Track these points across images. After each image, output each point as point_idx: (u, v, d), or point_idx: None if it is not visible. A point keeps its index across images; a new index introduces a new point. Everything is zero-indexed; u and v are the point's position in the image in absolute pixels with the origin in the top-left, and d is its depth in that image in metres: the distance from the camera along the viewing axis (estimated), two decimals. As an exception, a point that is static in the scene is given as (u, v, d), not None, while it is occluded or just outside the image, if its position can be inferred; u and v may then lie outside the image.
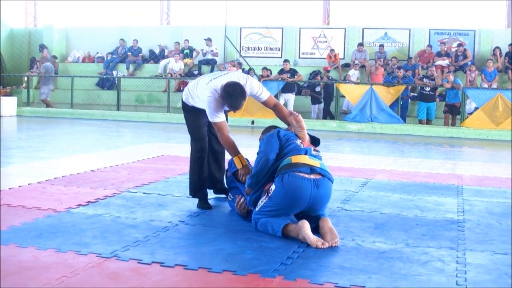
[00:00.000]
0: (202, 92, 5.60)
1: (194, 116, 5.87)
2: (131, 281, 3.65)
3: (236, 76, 5.61)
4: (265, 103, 5.80)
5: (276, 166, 5.00)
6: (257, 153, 5.19)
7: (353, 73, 19.81)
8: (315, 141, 5.53)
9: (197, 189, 5.98)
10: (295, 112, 5.55)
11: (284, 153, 5.05)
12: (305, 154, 5.01)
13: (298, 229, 4.61)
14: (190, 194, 6.06)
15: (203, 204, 5.87)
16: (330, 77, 20.03)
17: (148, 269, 3.88)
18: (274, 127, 5.54)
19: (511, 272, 4.05)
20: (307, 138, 5.38)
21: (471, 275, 3.96)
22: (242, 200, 5.40)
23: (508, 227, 5.46)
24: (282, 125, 5.85)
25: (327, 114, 19.17)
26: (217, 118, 5.49)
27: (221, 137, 5.53)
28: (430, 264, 4.19)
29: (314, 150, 5.17)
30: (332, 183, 5.01)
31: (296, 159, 4.91)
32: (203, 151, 5.91)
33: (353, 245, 4.64)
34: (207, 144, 5.97)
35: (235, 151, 5.50)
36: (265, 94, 5.73)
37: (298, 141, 5.17)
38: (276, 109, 5.77)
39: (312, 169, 4.86)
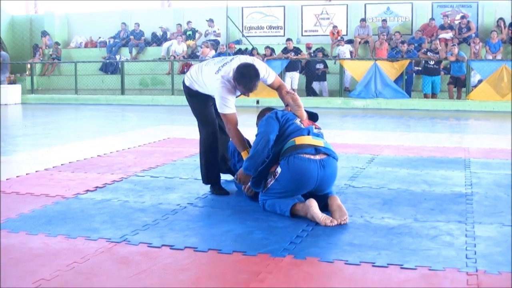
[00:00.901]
0: (211, 81, 5.43)
1: (200, 100, 5.68)
2: (141, 264, 3.66)
3: (243, 60, 5.44)
4: (271, 86, 5.67)
5: (279, 149, 4.98)
6: (256, 135, 5.12)
7: (344, 49, 19.72)
8: (313, 116, 5.47)
9: (210, 175, 5.79)
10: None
11: (286, 134, 5.01)
12: (308, 134, 4.99)
13: (306, 208, 4.61)
14: (203, 182, 5.86)
15: (218, 190, 5.73)
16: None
17: (158, 252, 3.90)
18: (270, 109, 5.48)
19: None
20: (305, 115, 5.34)
21: (481, 248, 3.96)
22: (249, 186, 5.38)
23: (517, 198, 5.46)
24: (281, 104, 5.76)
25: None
26: (228, 109, 5.31)
27: (230, 130, 5.37)
28: (439, 238, 4.20)
29: (316, 128, 5.14)
30: (337, 161, 4.99)
31: (299, 140, 4.90)
32: (214, 135, 5.72)
33: (361, 221, 4.65)
34: (217, 127, 5.77)
35: (243, 146, 5.35)
36: (271, 77, 5.59)
37: (297, 121, 5.13)
38: (279, 89, 5.66)
39: (317, 149, 4.84)
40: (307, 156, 4.79)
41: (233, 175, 5.95)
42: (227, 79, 5.30)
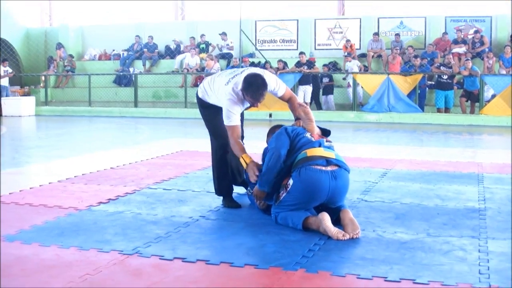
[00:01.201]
0: (220, 92, 5.48)
1: (213, 113, 5.70)
2: (153, 277, 3.66)
3: (253, 71, 5.47)
4: (281, 98, 5.72)
5: (291, 162, 4.99)
6: (267, 151, 5.16)
7: (352, 65, 19.73)
8: (325, 133, 5.48)
9: (222, 187, 5.82)
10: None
11: (297, 148, 5.02)
12: (319, 146, 5.00)
13: (319, 221, 4.61)
14: (216, 193, 5.90)
15: (229, 202, 5.74)
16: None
17: (170, 265, 3.90)
18: (280, 126, 5.49)
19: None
20: (316, 130, 5.36)
21: (494, 264, 3.95)
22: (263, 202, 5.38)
23: (530, 214, 5.44)
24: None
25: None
26: (232, 121, 5.37)
27: (231, 139, 5.40)
28: (452, 253, 4.18)
29: (327, 141, 5.15)
30: (349, 173, 4.99)
31: (311, 152, 4.91)
32: (225, 147, 5.70)
33: (374, 236, 4.64)
34: (227, 140, 5.69)
35: (242, 150, 5.37)
36: (281, 89, 5.64)
37: (308, 135, 5.15)
38: (290, 102, 5.72)
39: (328, 161, 4.85)
40: (319, 167, 4.79)
41: (247, 188, 5.96)
42: (235, 92, 5.34)
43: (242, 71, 5.54)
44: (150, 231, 4.73)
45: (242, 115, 5.88)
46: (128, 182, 6.94)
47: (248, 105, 5.52)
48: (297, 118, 5.61)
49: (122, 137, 13.53)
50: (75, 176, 7.28)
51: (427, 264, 3.92)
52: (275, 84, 5.58)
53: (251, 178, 5.26)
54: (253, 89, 5.23)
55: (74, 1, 26.26)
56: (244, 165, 5.33)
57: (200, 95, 5.80)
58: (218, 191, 5.86)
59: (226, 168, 5.79)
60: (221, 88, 5.48)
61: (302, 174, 4.81)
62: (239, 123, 5.46)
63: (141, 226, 4.89)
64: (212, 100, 5.66)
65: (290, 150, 5.03)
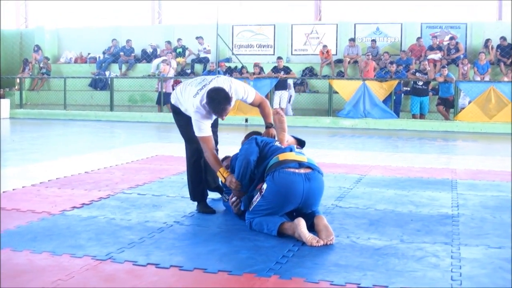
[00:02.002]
0: (188, 104, 5.52)
1: (186, 119, 5.69)
2: (126, 283, 3.65)
3: (220, 82, 5.50)
4: (252, 104, 5.77)
5: (263, 168, 5.01)
6: (237, 157, 5.23)
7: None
8: (301, 143, 5.53)
9: (196, 193, 5.84)
10: (280, 112, 5.58)
11: (268, 154, 5.08)
12: (290, 151, 5.06)
13: (294, 227, 4.62)
14: (191, 199, 5.90)
15: (204, 208, 5.74)
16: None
17: (143, 270, 3.89)
18: (256, 133, 5.56)
19: (511, 267, 4.06)
20: (289, 140, 5.40)
21: (466, 270, 3.97)
22: (235, 198, 5.39)
23: (503, 220, 5.48)
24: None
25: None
26: (203, 132, 5.40)
27: (206, 151, 5.43)
28: (425, 259, 4.21)
29: (297, 147, 5.21)
30: (322, 175, 5.01)
31: (283, 156, 4.95)
32: (199, 153, 5.70)
33: (348, 242, 4.65)
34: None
35: (218, 165, 5.40)
36: (250, 96, 5.69)
37: (277, 143, 5.23)
38: (260, 107, 5.77)
39: (300, 164, 4.89)
40: (292, 170, 4.82)
41: (221, 194, 5.97)
42: (202, 105, 5.37)
43: (210, 80, 5.55)
44: (124, 237, 4.71)
45: (216, 120, 5.90)
46: (103, 186, 6.90)
47: (216, 117, 5.56)
48: (267, 126, 5.68)
49: (97, 141, 13.46)
50: (49, 180, 7.23)
51: (400, 271, 3.94)
52: (243, 92, 5.62)
53: (236, 188, 5.25)
54: (215, 104, 5.26)
55: (50, 1, 26.09)
56: (222, 179, 5.36)
57: (173, 102, 5.82)
58: (193, 197, 5.86)
59: (200, 173, 5.80)
60: (189, 100, 5.50)
61: (276, 177, 4.82)
62: (211, 133, 5.47)
63: (115, 231, 4.87)
64: (183, 108, 5.68)
65: (261, 158, 5.08)
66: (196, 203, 5.84)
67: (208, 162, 5.55)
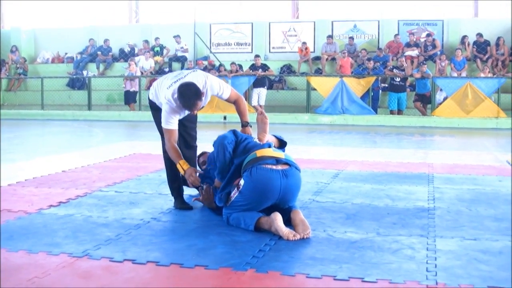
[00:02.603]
0: (161, 95, 5.56)
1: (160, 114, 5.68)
2: (102, 279, 3.64)
3: (195, 76, 5.54)
4: (228, 100, 5.81)
5: (240, 162, 5.03)
6: (212, 157, 5.34)
7: None
8: (282, 144, 5.57)
9: (172, 189, 5.87)
10: (264, 114, 5.59)
11: (246, 149, 5.10)
12: (269, 147, 5.09)
13: (271, 221, 4.63)
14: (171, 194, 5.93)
15: (180, 204, 5.75)
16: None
17: (120, 267, 3.88)
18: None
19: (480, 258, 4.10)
20: (271, 139, 5.43)
21: (441, 261, 4.00)
22: (206, 187, 5.42)
23: (478, 213, 5.53)
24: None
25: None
26: (169, 125, 5.47)
27: (168, 143, 5.50)
28: (401, 252, 4.23)
29: (274, 146, 5.24)
30: (300, 172, 5.03)
31: (260, 152, 4.96)
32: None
33: (324, 236, 4.67)
34: (177, 140, 5.74)
35: (178, 157, 5.46)
36: (226, 92, 5.71)
37: (256, 140, 5.27)
38: (236, 104, 5.83)
39: (278, 160, 4.90)
40: (269, 166, 4.83)
41: (198, 189, 5.95)
42: (174, 99, 5.39)
43: (186, 74, 5.60)
44: (100, 234, 4.70)
45: (194, 116, 5.92)
46: (80, 185, 6.88)
47: (188, 112, 5.54)
48: (243, 125, 5.72)
49: (75, 141, 13.40)
50: (25, 180, 7.19)
51: (376, 263, 3.96)
52: (218, 88, 5.64)
53: (193, 183, 5.37)
54: (185, 99, 5.28)
55: (27, 1, 25.93)
56: (182, 171, 5.43)
57: (150, 97, 5.84)
58: (170, 191, 5.89)
59: (176, 169, 5.74)
60: (163, 91, 5.54)
61: (253, 173, 4.83)
62: (176, 128, 5.52)
63: (92, 229, 4.85)
64: (158, 102, 5.69)
65: (239, 152, 5.09)
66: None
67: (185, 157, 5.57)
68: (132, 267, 3.88)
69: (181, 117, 5.61)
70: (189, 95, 5.28)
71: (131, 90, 20.16)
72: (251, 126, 5.76)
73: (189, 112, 5.55)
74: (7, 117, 20.22)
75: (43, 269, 3.80)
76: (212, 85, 5.57)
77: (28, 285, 3.52)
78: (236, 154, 5.11)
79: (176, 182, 5.84)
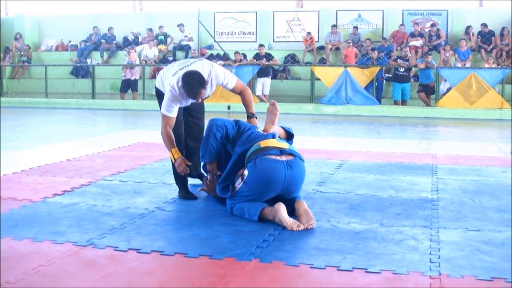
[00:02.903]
0: (166, 82, 5.62)
1: None
2: (107, 268, 3.66)
3: (201, 65, 5.59)
4: (233, 91, 5.84)
5: (244, 151, 5.05)
6: None
7: None
8: (289, 136, 5.61)
9: (177, 178, 5.88)
10: (276, 106, 5.61)
11: (250, 138, 5.14)
12: (273, 138, 5.10)
13: (275, 212, 4.64)
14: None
15: (185, 194, 5.78)
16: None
17: (124, 256, 3.90)
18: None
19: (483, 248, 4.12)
20: (279, 130, 5.52)
21: (444, 252, 4.02)
22: (210, 177, 5.48)
23: (481, 204, 5.54)
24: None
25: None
26: (168, 112, 5.54)
27: (163, 129, 5.56)
28: (404, 242, 4.25)
29: (279, 136, 5.25)
30: (304, 162, 5.05)
31: (264, 143, 4.98)
32: (179, 138, 5.79)
33: (328, 226, 4.69)
34: (182, 131, 5.92)
35: (171, 145, 5.56)
36: (231, 82, 5.75)
37: (261, 130, 5.31)
38: (242, 95, 5.85)
39: (282, 151, 4.92)
40: (273, 157, 4.85)
41: (203, 181, 5.97)
42: (178, 86, 5.45)
43: (192, 63, 5.65)
44: (105, 223, 4.72)
45: (202, 107, 6.10)
46: (84, 174, 6.90)
47: (193, 100, 5.59)
48: (249, 116, 5.77)
49: (79, 129, 13.43)
50: (30, 168, 7.21)
51: (380, 254, 3.98)
52: (223, 77, 5.68)
53: (181, 172, 5.52)
54: (189, 88, 5.33)
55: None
56: (172, 159, 5.55)
57: (157, 85, 5.92)
58: (175, 181, 5.93)
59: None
60: (168, 78, 5.60)
61: (257, 164, 4.84)
62: (175, 116, 5.57)
63: (96, 218, 4.87)
64: (164, 89, 5.73)
65: (242, 140, 5.13)
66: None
67: (190, 147, 5.70)
68: (136, 256, 3.90)
69: (182, 105, 5.68)
70: (193, 83, 5.32)
71: (132, 78, 20.17)
72: (256, 118, 5.80)
73: (194, 101, 5.62)
74: (10, 105, 20.24)
75: (47, 258, 3.82)
76: (217, 75, 5.61)
77: (33, 274, 3.54)
78: (239, 143, 5.15)
79: (182, 177, 5.82)
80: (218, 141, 5.25)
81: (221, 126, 5.25)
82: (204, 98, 5.58)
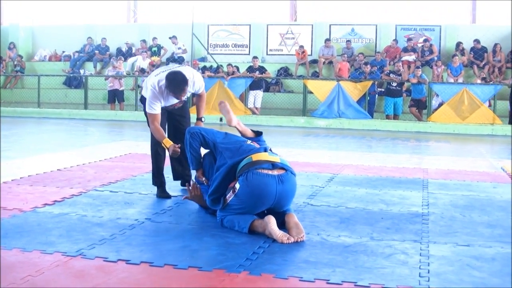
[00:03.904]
0: (149, 82, 6.06)
1: None
2: (96, 279, 3.65)
3: (183, 69, 6.12)
4: (194, 94, 6.50)
5: (235, 163, 5.06)
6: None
7: None
8: (257, 134, 5.70)
9: (155, 178, 6.36)
10: (224, 103, 6.08)
11: (241, 151, 5.14)
12: (265, 151, 5.10)
13: (265, 224, 4.64)
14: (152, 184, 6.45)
15: (161, 193, 6.23)
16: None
17: (113, 266, 3.88)
18: None
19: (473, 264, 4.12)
20: (233, 121, 5.82)
21: (434, 267, 4.02)
22: (192, 184, 5.58)
23: (472, 219, 5.55)
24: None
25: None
26: (152, 109, 6.01)
27: (151, 125, 6.02)
28: (394, 256, 4.25)
29: (270, 150, 5.27)
30: (295, 176, 5.05)
31: (256, 157, 4.98)
32: (158, 143, 6.15)
33: (318, 239, 4.68)
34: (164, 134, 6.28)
35: (162, 137, 5.99)
36: (202, 89, 6.42)
37: (249, 141, 5.34)
38: (199, 98, 6.55)
39: (273, 165, 4.92)
40: (265, 171, 4.85)
41: (183, 184, 6.61)
42: (159, 86, 5.94)
43: (176, 67, 6.20)
44: (95, 233, 4.70)
45: (187, 111, 6.65)
46: (75, 184, 6.88)
47: (176, 100, 6.13)
48: (198, 119, 6.42)
49: (70, 139, 13.39)
50: (20, 178, 7.19)
51: (369, 267, 3.98)
52: (200, 85, 6.35)
53: (175, 154, 5.83)
54: (174, 85, 5.81)
55: (25, 0, 25.90)
56: (166, 148, 5.94)
57: (143, 93, 6.36)
58: (153, 181, 6.39)
59: (158, 161, 6.38)
60: (150, 79, 6.05)
61: (249, 178, 4.84)
62: (159, 112, 6.06)
63: (86, 228, 4.86)
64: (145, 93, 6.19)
65: (232, 151, 5.15)
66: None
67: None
68: (125, 267, 3.88)
69: (163, 104, 6.09)
70: (177, 80, 5.80)
71: (120, 89, 20.25)
72: (203, 121, 6.49)
73: (173, 103, 6.16)
74: (2, 114, 20.14)
75: (37, 268, 3.80)
76: (197, 80, 6.20)
77: (22, 284, 3.52)
78: (229, 154, 5.17)
79: (159, 176, 6.33)
80: (197, 149, 5.46)
81: (196, 134, 5.42)
82: (183, 99, 6.13)
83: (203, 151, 5.59)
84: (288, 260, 4.12)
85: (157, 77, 5.99)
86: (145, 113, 6.23)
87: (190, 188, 5.52)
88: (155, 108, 6.00)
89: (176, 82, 5.79)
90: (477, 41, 20.15)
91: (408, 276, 3.82)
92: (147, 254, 4.18)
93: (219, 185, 5.10)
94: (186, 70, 6.10)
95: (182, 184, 6.74)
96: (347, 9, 22.98)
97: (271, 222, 4.62)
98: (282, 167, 4.94)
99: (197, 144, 5.41)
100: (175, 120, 6.51)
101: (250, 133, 5.62)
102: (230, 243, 4.50)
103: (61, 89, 22.30)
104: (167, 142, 5.88)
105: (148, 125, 6.25)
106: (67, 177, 7.35)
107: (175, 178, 6.78)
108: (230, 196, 4.95)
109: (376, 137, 14.89)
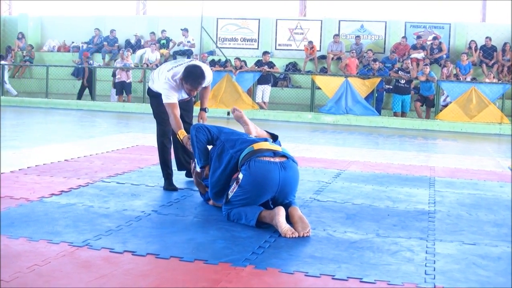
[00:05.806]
0: (161, 78, 6.07)
1: (158, 101, 6.19)
2: (102, 269, 3.65)
3: (196, 63, 6.17)
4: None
5: (236, 151, 5.08)
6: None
7: None
8: (273, 137, 5.69)
9: (162, 170, 6.41)
10: (237, 109, 6.04)
11: (242, 141, 5.21)
12: (265, 141, 5.17)
13: (273, 214, 4.64)
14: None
15: (168, 185, 6.28)
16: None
17: (119, 257, 3.89)
18: None
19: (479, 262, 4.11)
20: (261, 133, 5.73)
21: (440, 265, 4.02)
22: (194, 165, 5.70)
23: (478, 218, 5.54)
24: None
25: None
26: (170, 99, 5.98)
27: (171, 114, 5.96)
28: (400, 254, 4.24)
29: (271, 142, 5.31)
30: (297, 165, 5.08)
31: (258, 146, 5.03)
32: (164, 135, 6.32)
33: (324, 235, 4.68)
34: (169, 128, 6.25)
35: (179, 127, 5.94)
36: (209, 84, 6.54)
37: (252, 136, 5.44)
38: (204, 89, 6.58)
39: (275, 153, 4.95)
40: (267, 158, 4.88)
41: (187, 175, 6.72)
42: (174, 79, 5.97)
43: (187, 61, 6.22)
44: (101, 224, 4.71)
45: (191, 106, 6.68)
46: (82, 174, 6.90)
47: (185, 96, 6.20)
48: (201, 109, 6.52)
49: (78, 130, 13.43)
50: (28, 167, 7.21)
51: (375, 264, 3.98)
52: (210, 79, 6.34)
53: (188, 146, 5.80)
54: (193, 78, 5.91)
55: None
56: (180, 138, 5.93)
57: (150, 85, 6.40)
58: (162, 173, 6.43)
59: (164, 153, 6.41)
60: (163, 74, 6.07)
61: (251, 166, 4.85)
62: (177, 101, 6.05)
63: (93, 219, 4.87)
64: (156, 87, 6.21)
65: (234, 140, 5.23)
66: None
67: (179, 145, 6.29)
68: (131, 258, 3.89)
69: (178, 97, 6.10)
70: (197, 75, 5.93)
71: (127, 81, 20.27)
72: (206, 112, 6.61)
73: (183, 98, 6.23)
74: (10, 104, 20.25)
75: (43, 257, 3.81)
76: (207, 75, 6.19)
77: (28, 273, 3.53)
78: (231, 143, 5.24)
79: (165, 168, 6.36)
80: (203, 142, 5.43)
81: (202, 128, 5.44)
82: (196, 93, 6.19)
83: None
84: (293, 255, 4.13)
85: (171, 72, 6.02)
86: (151, 104, 6.40)
87: (194, 173, 5.69)
88: (172, 98, 6.01)
89: (195, 76, 5.90)
90: (489, 38, 20.05)
91: (414, 274, 3.82)
92: (153, 246, 4.18)
93: (220, 175, 5.13)
94: (201, 65, 6.16)
95: (187, 175, 6.80)
96: (356, 5, 22.96)
97: (280, 213, 4.62)
98: (284, 155, 4.97)
99: (204, 138, 5.40)
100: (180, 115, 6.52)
101: (266, 136, 5.65)
102: (236, 236, 4.51)
103: (69, 80, 22.34)
104: (182, 134, 5.89)
105: (154, 117, 6.39)
106: (74, 167, 7.37)
107: (179, 168, 6.85)
108: (234, 188, 4.95)
109: (384, 134, 14.87)
